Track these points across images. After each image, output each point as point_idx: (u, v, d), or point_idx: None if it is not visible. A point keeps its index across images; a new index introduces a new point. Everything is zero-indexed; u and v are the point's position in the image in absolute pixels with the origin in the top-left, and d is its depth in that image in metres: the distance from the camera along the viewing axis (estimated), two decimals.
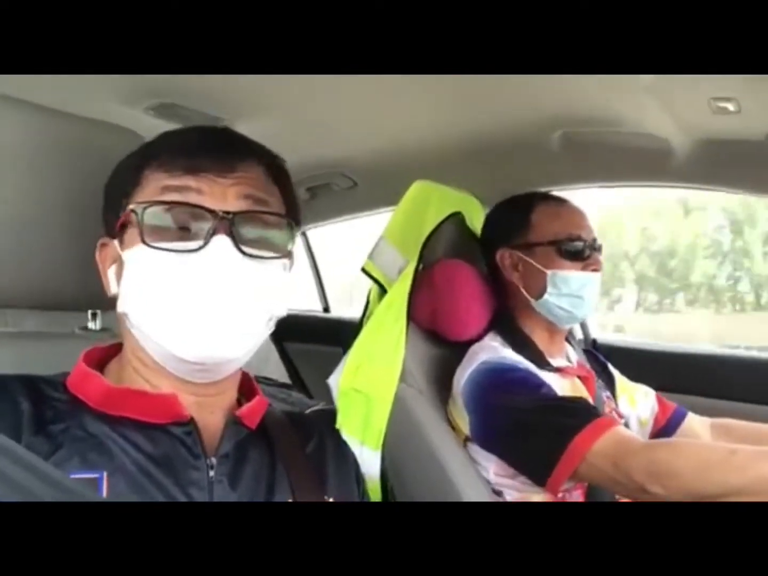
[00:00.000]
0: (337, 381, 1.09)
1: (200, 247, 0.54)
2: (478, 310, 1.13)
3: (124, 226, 0.57)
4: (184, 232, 0.55)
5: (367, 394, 1.06)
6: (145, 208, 0.54)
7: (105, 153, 0.66)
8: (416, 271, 1.11)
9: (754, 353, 1.39)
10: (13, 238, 0.64)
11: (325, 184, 1.59)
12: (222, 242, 0.54)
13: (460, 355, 1.07)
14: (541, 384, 0.95)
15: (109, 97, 1.10)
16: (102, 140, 0.70)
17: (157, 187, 0.56)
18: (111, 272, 0.59)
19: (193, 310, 0.53)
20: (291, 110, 1.19)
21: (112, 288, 0.59)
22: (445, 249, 1.19)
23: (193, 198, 0.55)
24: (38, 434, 0.52)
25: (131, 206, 0.55)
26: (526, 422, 0.90)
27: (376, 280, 1.18)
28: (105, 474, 0.52)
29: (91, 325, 0.76)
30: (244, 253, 0.54)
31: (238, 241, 0.54)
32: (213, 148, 0.57)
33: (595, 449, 0.83)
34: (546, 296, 1.03)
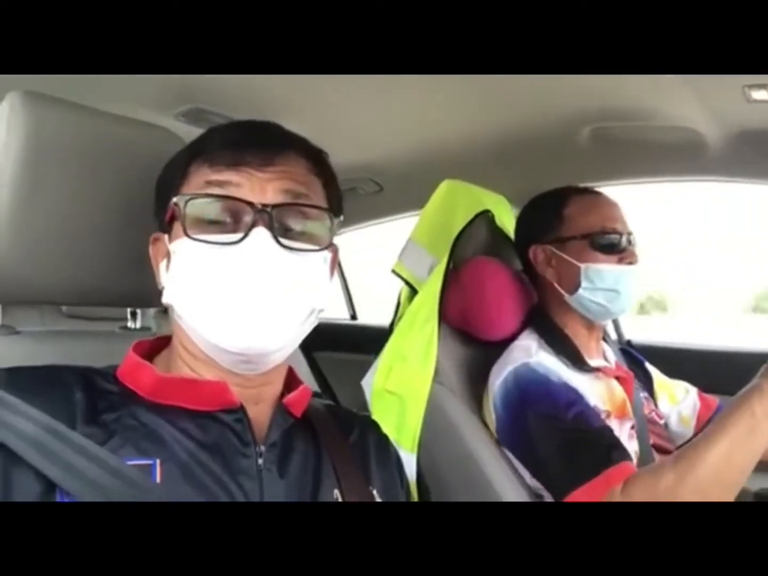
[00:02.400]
0: (370, 383, 1.09)
1: (240, 240, 0.54)
2: (509, 309, 1.11)
3: (171, 220, 0.59)
4: (224, 225, 0.56)
5: (401, 395, 1.05)
6: (187, 201, 0.56)
7: (147, 153, 0.67)
8: (447, 269, 1.10)
9: None
10: (56, 236, 0.65)
11: (351, 189, 1.59)
12: (261, 234, 0.54)
13: (493, 354, 1.06)
14: (572, 402, 0.92)
15: (142, 103, 1.12)
16: (146, 141, 0.71)
17: (200, 181, 0.57)
18: (162, 266, 0.60)
19: (233, 302, 0.54)
20: (317, 115, 1.20)
21: (163, 281, 0.60)
22: (475, 247, 1.18)
23: (233, 192, 0.56)
24: (92, 423, 0.53)
25: (174, 200, 0.57)
26: (551, 447, 0.89)
27: (406, 281, 1.18)
28: (158, 461, 0.53)
29: (130, 324, 0.77)
30: (282, 245, 0.55)
31: (276, 233, 0.55)
32: (254, 142, 0.58)
33: (605, 497, 0.82)
34: (580, 291, 1.01)
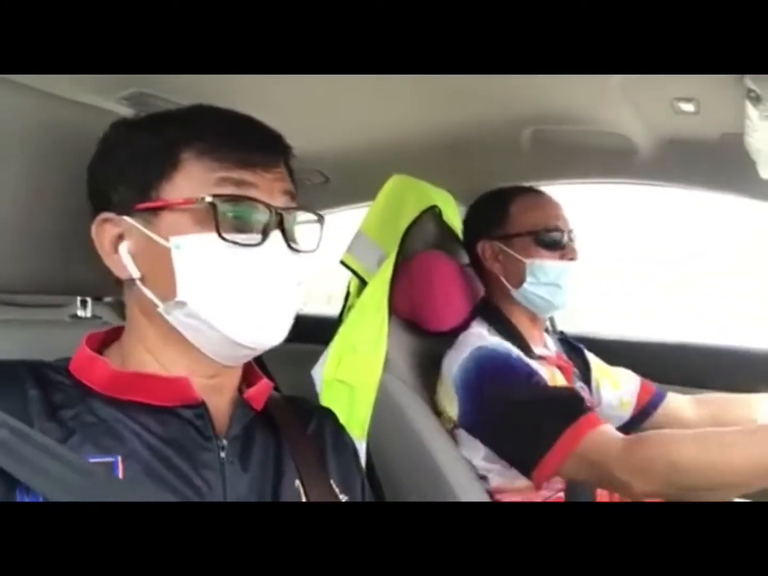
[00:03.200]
0: (320, 372, 1.10)
1: (260, 242, 0.56)
2: (456, 301, 1.16)
3: (162, 208, 0.56)
4: (244, 226, 0.57)
5: (351, 384, 1.07)
6: (223, 201, 0.55)
7: (95, 137, 0.65)
8: (396, 262, 1.13)
9: (720, 342, 1.46)
10: (4, 222, 0.62)
11: (297, 180, 1.58)
12: (277, 237, 0.57)
13: (441, 345, 1.10)
14: (532, 373, 0.98)
15: (83, 86, 1.07)
16: (94, 125, 0.69)
17: (209, 176, 0.56)
18: (124, 251, 0.57)
19: (254, 300, 0.57)
20: (261, 104, 1.18)
21: (130, 270, 0.57)
22: (424, 241, 1.21)
23: (250, 192, 0.57)
24: (49, 420, 0.52)
25: (204, 197, 0.55)
26: (517, 413, 0.93)
27: (355, 273, 1.20)
28: (119, 458, 0.52)
29: (80, 312, 0.74)
30: (290, 247, 0.58)
31: (287, 236, 0.58)
32: (260, 141, 0.59)
33: (579, 449, 0.86)
34: (525, 285, 1.07)
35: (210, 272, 0.56)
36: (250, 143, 0.58)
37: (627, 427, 1.17)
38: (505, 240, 1.10)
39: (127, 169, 0.58)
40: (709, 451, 0.78)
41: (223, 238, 0.55)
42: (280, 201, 0.58)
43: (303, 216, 0.62)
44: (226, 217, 0.55)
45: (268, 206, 0.57)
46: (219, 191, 0.56)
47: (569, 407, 0.91)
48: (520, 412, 0.93)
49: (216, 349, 0.58)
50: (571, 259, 1.08)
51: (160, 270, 0.56)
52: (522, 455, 0.92)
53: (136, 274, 0.57)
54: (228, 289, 0.56)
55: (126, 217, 0.57)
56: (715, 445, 0.79)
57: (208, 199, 0.55)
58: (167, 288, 0.56)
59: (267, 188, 0.58)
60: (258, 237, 0.56)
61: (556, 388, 0.99)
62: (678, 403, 1.20)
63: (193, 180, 0.56)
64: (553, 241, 1.07)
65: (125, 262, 0.57)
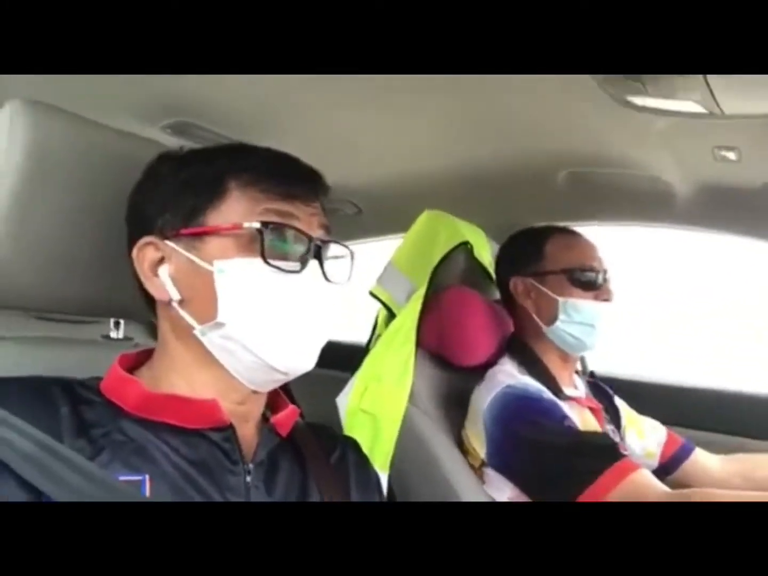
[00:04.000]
0: (345, 401, 1.10)
1: (300, 269, 0.59)
2: (484, 337, 1.15)
3: (207, 234, 0.58)
4: (285, 254, 0.59)
5: (375, 414, 1.07)
6: (271, 229, 0.58)
7: (134, 164, 0.67)
8: (426, 296, 1.13)
9: (755, 389, 1.42)
10: (51, 244, 0.64)
11: (330, 210, 1.60)
12: (315, 266, 0.59)
13: (468, 380, 1.09)
14: (564, 416, 0.96)
15: (128, 114, 1.12)
16: (140, 155, 0.71)
17: (255, 206, 0.58)
18: (164, 274, 0.59)
19: (291, 325, 0.59)
20: (298, 135, 1.22)
21: (170, 292, 0.59)
22: (454, 277, 1.21)
23: (293, 223, 0.59)
24: (79, 438, 0.53)
25: (251, 224, 0.57)
26: (549, 456, 0.91)
27: (384, 304, 1.21)
28: (147, 477, 0.53)
29: (113, 334, 0.76)
30: (326, 277, 0.60)
31: (323, 266, 0.60)
32: (301, 177, 0.62)
33: (617, 492, 0.84)
34: (558, 323, 1.06)
35: (251, 295, 0.57)
36: (293, 178, 0.61)
37: None
38: (539, 277, 1.09)
39: (175, 197, 0.60)
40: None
41: (268, 263, 0.57)
42: (317, 233, 0.61)
43: (334, 250, 0.64)
44: (270, 244, 0.57)
45: (308, 236, 0.59)
46: (267, 220, 0.58)
47: (606, 451, 0.90)
48: (554, 455, 0.91)
49: (249, 373, 0.59)
50: (606, 299, 1.06)
51: (201, 293, 0.57)
52: (557, 497, 0.90)
53: (176, 296, 0.59)
54: (266, 313, 0.57)
55: (168, 242, 0.59)
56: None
57: (256, 225, 0.57)
58: (207, 310, 0.57)
59: (306, 220, 0.60)
60: (297, 265, 0.58)
61: (590, 432, 0.97)
62: (706, 458, 1.17)
63: (238, 209, 0.59)
64: (587, 280, 1.06)
65: (165, 284, 0.59)
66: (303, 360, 0.60)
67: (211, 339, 0.58)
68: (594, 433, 0.97)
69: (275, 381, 0.62)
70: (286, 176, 0.60)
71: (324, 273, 0.60)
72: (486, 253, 1.29)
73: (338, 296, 0.63)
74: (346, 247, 0.65)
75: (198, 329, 0.58)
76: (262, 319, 0.57)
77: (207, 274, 0.57)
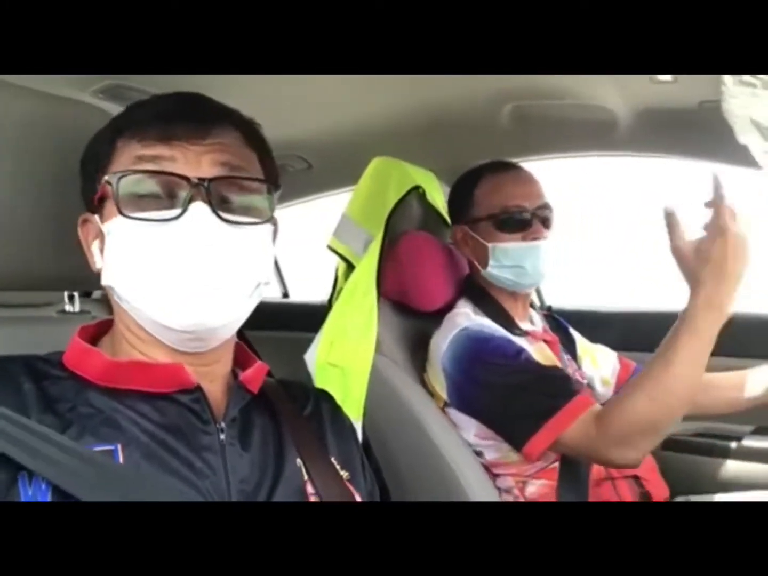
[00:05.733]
0: (313, 357, 1.11)
1: (178, 216, 0.53)
2: (443, 281, 1.17)
3: (102, 200, 0.57)
4: (160, 201, 0.55)
5: (343, 367, 1.08)
6: (119, 179, 0.54)
7: (73, 130, 0.64)
8: (383, 244, 1.13)
9: None
10: None
11: (280, 166, 1.57)
12: (199, 209, 0.53)
13: (431, 324, 1.11)
14: (519, 351, 0.99)
15: (58, 80, 1.05)
16: (71, 118, 0.68)
17: (130, 156, 0.56)
18: (95, 247, 0.59)
19: (176, 279, 0.53)
20: (241, 91, 1.17)
21: (97, 263, 0.59)
22: (408, 222, 1.21)
23: (167, 166, 0.55)
24: (46, 413, 0.52)
25: (106, 177, 0.55)
26: (505, 396, 0.95)
27: (342, 257, 1.20)
28: (119, 445, 0.52)
29: (68, 307, 0.74)
30: (222, 219, 0.54)
31: (215, 207, 0.54)
32: (186, 115, 0.56)
33: (569, 430, 0.89)
34: (489, 268, 1.09)
35: (124, 253, 0.55)
36: (173, 118, 0.55)
37: None
38: (472, 224, 1.12)
39: (84, 166, 0.59)
40: (653, 388, 0.83)
41: (126, 216, 0.53)
42: (209, 172, 0.55)
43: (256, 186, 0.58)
44: (131, 195, 0.54)
45: (184, 178, 0.54)
46: (128, 169, 0.55)
47: (561, 387, 0.93)
48: (512, 390, 0.94)
49: (159, 334, 0.56)
50: (535, 238, 1.07)
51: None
52: (514, 431, 0.95)
53: (99, 265, 0.59)
54: (144, 269, 0.54)
55: (94, 215, 0.59)
56: (653, 381, 0.84)
57: (105, 178, 0.55)
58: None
59: (192, 160, 0.55)
60: (176, 212, 0.54)
61: (546, 367, 1.01)
62: None
63: (120, 165, 0.56)
64: (513, 222, 1.07)
65: (95, 255, 0.59)
66: (202, 315, 0.54)
67: (123, 303, 0.57)
68: (549, 368, 1.00)
69: (189, 340, 0.56)
70: (165, 117, 0.55)
71: (218, 214, 0.54)
72: (439, 196, 1.29)
73: (261, 238, 0.57)
74: (259, 179, 0.59)
75: (115, 296, 0.57)
76: (140, 275, 0.54)
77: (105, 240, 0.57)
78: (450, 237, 1.17)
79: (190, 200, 0.54)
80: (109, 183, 0.55)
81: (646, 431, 0.85)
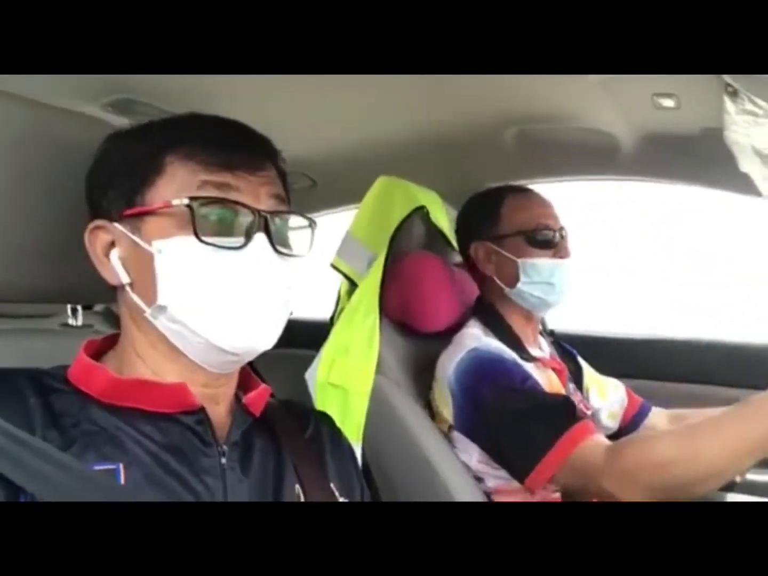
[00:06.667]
0: (313, 376, 1.10)
1: (242, 245, 0.56)
2: (446, 302, 1.17)
3: (144, 214, 0.56)
4: (226, 229, 0.56)
5: (344, 387, 1.07)
6: (201, 204, 0.55)
7: (79, 144, 0.64)
8: (386, 264, 1.13)
9: (706, 337, 1.48)
10: None
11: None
12: (261, 240, 0.56)
13: (433, 346, 1.10)
14: (526, 377, 0.98)
15: (66, 92, 1.06)
16: (78, 131, 0.69)
17: (193, 179, 0.56)
18: (114, 258, 0.58)
19: (236, 304, 0.56)
20: (247, 108, 1.18)
21: (120, 276, 0.58)
22: (412, 242, 1.22)
23: (233, 195, 0.56)
24: (51, 428, 0.52)
25: (181, 200, 0.55)
26: (511, 419, 0.93)
27: (345, 275, 1.20)
28: (121, 465, 0.52)
29: (71, 321, 0.74)
30: (278, 251, 0.57)
31: (273, 239, 0.57)
32: (245, 144, 0.58)
33: (573, 457, 0.86)
34: (519, 284, 1.08)
35: (189, 275, 0.55)
36: (234, 146, 0.57)
37: (614, 439, 1.18)
38: (497, 240, 1.11)
39: (116, 177, 0.58)
40: (684, 444, 0.79)
41: (201, 240, 0.54)
42: (266, 204, 0.58)
43: (294, 221, 0.62)
44: (206, 220, 0.55)
45: (251, 209, 0.56)
46: (200, 194, 0.55)
47: (563, 415, 0.92)
48: (514, 419, 0.93)
49: (202, 355, 0.58)
50: (562, 257, 1.09)
51: (146, 275, 0.56)
52: (515, 462, 0.93)
53: (125, 279, 0.58)
54: (208, 293, 0.55)
55: (116, 224, 0.58)
56: (688, 438, 0.81)
57: (185, 201, 0.55)
58: (152, 293, 0.56)
59: (252, 191, 0.57)
60: (240, 240, 0.56)
61: (550, 395, 1.00)
62: (657, 417, 1.23)
63: (176, 185, 0.56)
64: (544, 239, 1.08)
65: (116, 268, 0.58)
66: (254, 339, 0.57)
67: (161, 322, 0.57)
68: (552, 396, 0.99)
69: (230, 362, 0.59)
70: (227, 145, 0.57)
71: (273, 246, 0.57)
72: (443, 217, 1.29)
73: (299, 270, 0.61)
74: (304, 216, 0.62)
75: (148, 312, 0.57)
76: (202, 299, 0.55)
77: (149, 256, 0.56)
78: (471, 254, 1.15)
79: (252, 231, 0.56)
80: (189, 206, 0.54)
81: (657, 474, 0.80)
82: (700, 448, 0.78)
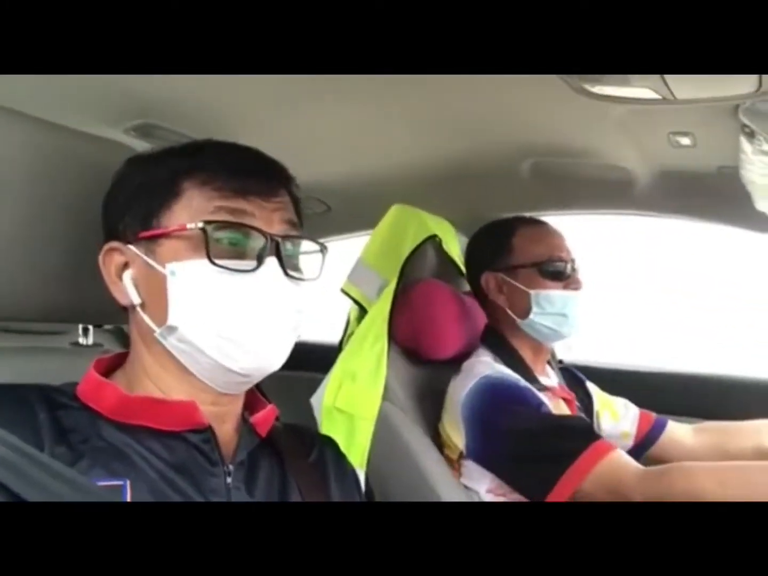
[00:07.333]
0: (319, 400, 1.10)
1: (254, 268, 0.57)
2: (455, 330, 1.16)
3: (159, 237, 0.58)
4: (239, 252, 0.57)
5: (350, 413, 1.07)
6: (215, 228, 0.56)
7: (100, 167, 0.66)
8: (396, 291, 1.14)
9: (720, 372, 1.47)
10: (9, 251, 0.63)
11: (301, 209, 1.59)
12: (272, 264, 0.57)
13: (440, 373, 1.10)
14: (540, 403, 0.98)
15: (91, 117, 1.09)
16: (99, 156, 0.70)
17: (208, 205, 0.57)
18: (127, 279, 0.59)
19: (247, 326, 0.57)
20: (264, 133, 1.21)
21: (132, 296, 0.59)
22: (424, 270, 1.22)
23: (247, 220, 0.58)
24: (59, 444, 0.52)
25: (195, 224, 0.56)
26: (527, 442, 0.93)
27: (355, 301, 1.21)
28: (128, 482, 0.53)
29: (82, 340, 0.75)
30: (288, 275, 0.58)
31: (284, 263, 0.58)
32: (258, 171, 0.60)
33: (594, 474, 0.86)
34: (531, 315, 1.07)
35: (201, 296, 0.56)
36: (249, 173, 0.59)
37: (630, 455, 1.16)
38: (510, 271, 1.10)
39: (133, 200, 0.60)
40: (730, 486, 0.79)
41: (214, 263, 0.55)
42: (278, 229, 0.59)
43: (306, 246, 0.63)
44: (219, 243, 0.56)
45: (263, 233, 0.57)
46: (214, 219, 0.57)
47: (582, 433, 0.92)
48: (532, 440, 0.93)
49: (210, 375, 0.58)
50: (575, 288, 1.08)
51: (158, 296, 0.57)
52: (536, 481, 0.91)
53: (137, 300, 0.59)
54: (219, 314, 0.56)
55: (130, 246, 0.59)
56: (736, 480, 0.80)
57: (200, 225, 0.56)
58: (162, 313, 0.57)
59: (265, 217, 0.58)
60: (252, 263, 0.57)
61: (566, 416, 1.00)
62: (678, 431, 1.20)
63: (191, 209, 0.58)
64: (557, 271, 1.08)
65: (128, 289, 0.59)
66: (262, 361, 0.58)
67: (170, 342, 0.57)
68: (568, 418, 0.99)
69: (238, 383, 0.60)
70: (242, 171, 0.59)
71: (284, 270, 0.58)
72: (455, 246, 1.30)
73: (309, 293, 0.62)
74: (315, 241, 0.63)
75: (157, 332, 0.57)
76: (213, 320, 0.56)
77: (162, 277, 0.57)
78: (481, 285, 1.14)
79: (263, 254, 0.57)
80: (203, 229, 0.56)
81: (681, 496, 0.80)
82: (743, 496, 0.78)
